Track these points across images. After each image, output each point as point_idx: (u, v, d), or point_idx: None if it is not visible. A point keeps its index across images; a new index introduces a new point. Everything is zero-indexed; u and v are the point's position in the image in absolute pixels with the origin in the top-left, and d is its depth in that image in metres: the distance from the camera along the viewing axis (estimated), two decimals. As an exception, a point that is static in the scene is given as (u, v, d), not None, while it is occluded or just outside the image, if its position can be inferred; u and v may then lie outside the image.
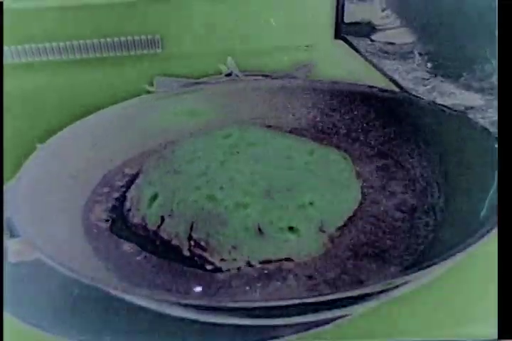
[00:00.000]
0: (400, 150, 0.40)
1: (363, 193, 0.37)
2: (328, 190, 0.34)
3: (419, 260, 0.31)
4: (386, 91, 0.44)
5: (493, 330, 0.26)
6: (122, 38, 0.62)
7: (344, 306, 0.26)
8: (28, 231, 0.30)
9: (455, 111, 0.40)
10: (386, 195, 0.37)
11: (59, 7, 0.59)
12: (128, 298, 0.26)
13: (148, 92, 0.53)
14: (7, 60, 0.59)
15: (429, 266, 0.26)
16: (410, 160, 0.39)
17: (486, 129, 0.36)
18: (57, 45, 0.60)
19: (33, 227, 0.30)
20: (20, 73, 0.58)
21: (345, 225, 0.34)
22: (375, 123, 0.43)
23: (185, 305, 0.25)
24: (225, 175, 0.34)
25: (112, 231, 0.35)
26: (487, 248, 0.28)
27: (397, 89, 0.54)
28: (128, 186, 0.38)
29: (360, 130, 0.43)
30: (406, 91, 0.53)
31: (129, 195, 0.36)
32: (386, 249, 0.32)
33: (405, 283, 0.26)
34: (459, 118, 0.38)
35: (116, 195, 0.38)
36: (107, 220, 0.36)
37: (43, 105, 0.53)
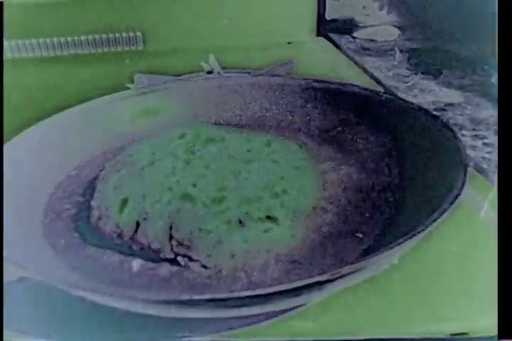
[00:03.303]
0: (352, 136, 0.42)
1: (323, 179, 0.37)
2: (295, 177, 0.35)
3: (388, 236, 0.32)
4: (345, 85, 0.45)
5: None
6: (103, 35, 0.61)
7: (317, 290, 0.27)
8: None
9: (412, 103, 0.41)
10: (344, 178, 0.38)
11: (36, 3, 0.58)
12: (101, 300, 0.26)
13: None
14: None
15: (397, 243, 0.27)
16: (362, 142, 0.41)
17: (436, 116, 0.38)
18: (36, 42, 0.60)
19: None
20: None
21: (314, 209, 0.35)
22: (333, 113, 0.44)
23: (163, 302, 0.25)
24: (194, 172, 0.34)
25: (83, 241, 0.34)
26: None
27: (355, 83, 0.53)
28: (88, 193, 0.37)
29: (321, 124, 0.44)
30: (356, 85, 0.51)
31: (94, 203, 0.35)
32: (356, 229, 0.33)
33: (378, 261, 0.27)
34: (416, 110, 0.40)
35: (78, 203, 0.37)
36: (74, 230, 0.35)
37: (26, 101, 0.52)
